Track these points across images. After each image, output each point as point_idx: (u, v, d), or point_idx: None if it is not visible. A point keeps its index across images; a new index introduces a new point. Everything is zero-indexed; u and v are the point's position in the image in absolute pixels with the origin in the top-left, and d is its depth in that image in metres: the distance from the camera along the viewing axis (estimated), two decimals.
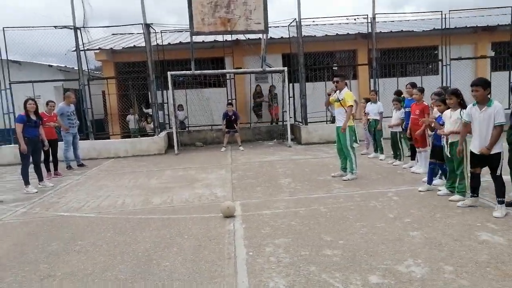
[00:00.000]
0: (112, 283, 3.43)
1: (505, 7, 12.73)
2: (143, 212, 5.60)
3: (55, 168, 8.70)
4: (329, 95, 7.31)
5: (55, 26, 10.98)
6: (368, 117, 9.01)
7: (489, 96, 4.65)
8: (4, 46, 10.88)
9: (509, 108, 12.32)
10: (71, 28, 11.03)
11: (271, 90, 13.74)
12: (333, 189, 6.31)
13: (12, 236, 4.86)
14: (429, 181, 5.93)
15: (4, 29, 10.81)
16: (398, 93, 9.18)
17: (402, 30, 14.26)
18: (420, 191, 5.86)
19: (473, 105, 4.73)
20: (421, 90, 7.14)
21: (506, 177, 4.80)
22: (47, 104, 8.71)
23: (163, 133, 12.15)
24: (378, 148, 8.85)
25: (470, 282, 3.08)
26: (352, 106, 6.83)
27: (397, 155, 8.08)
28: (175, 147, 11.19)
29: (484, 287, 3.00)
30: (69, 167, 9.45)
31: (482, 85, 4.58)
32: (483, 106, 4.60)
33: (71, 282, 3.49)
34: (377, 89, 11.45)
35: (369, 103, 9.16)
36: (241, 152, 10.85)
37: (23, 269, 3.81)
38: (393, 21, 17.51)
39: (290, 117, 12.09)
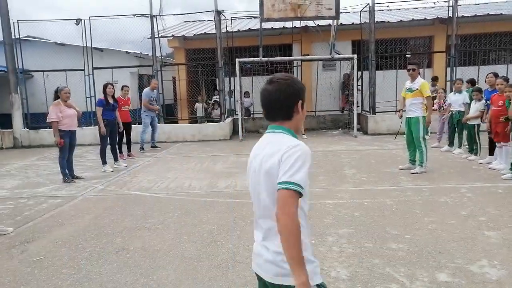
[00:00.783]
0: (179, 260, 3.61)
1: None
2: (208, 195, 5.80)
3: (129, 150, 9.28)
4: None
5: (134, 15, 11.63)
6: (451, 109, 8.36)
7: None
8: (89, 35, 11.75)
9: None
10: (148, 16, 11.59)
11: (344, 78, 13.45)
12: (400, 182, 6.06)
13: (92, 210, 5.30)
14: None
15: (90, 18, 11.65)
16: (472, 82, 8.57)
17: (488, 14, 13.07)
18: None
19: None
20: (506, 80, 6.56)
21: None
22: (122, 88, 9.28)
23: (229, 119, 12.41)
24: (458, 142, 8.20)
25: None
26: (430, 96, 6.51)
27: (472, 149, 7.53)
28: (240, 134, 11.38)
29: None
30: (142, 149, 10.05)
31: None
32: None
33: (142, 256, 3.73)
34: (454, 79, 10.69)
35: (451, 93, 8.54)
36: (304, 140, 10.77)
37: (101, 241, 4.15)
38: (478, 4, 16.11)
39: (357, 106, 11.73)
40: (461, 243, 3.68)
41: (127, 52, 14.95)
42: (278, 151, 1.54)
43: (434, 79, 11.25)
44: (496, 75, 7.24)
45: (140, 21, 11.66)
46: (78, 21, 11.85)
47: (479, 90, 7.43)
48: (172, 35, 14.20)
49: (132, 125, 9.60)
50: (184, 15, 15.98)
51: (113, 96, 7.93)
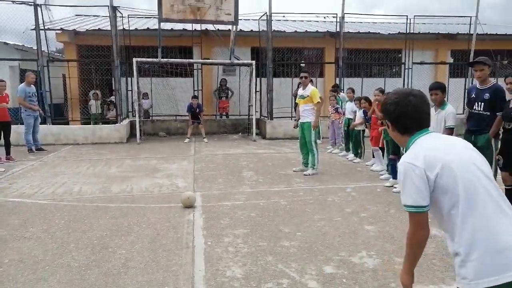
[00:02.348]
0: (64, 270, 3.33)
1: (465, 16, 13.29)
2: (100, 200, 5.45)
3: (7, 153, 8.27)
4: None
5: (12, 1, 10.40)
6: (346, 116, 8.87)
7: (444, 99, 4.89)
8: None
9: (463, 113, 12.96)
10: (30, 4, 10.45)
11: (221, 83, 13.74)
12: (293, 183, 6.41)
13: None
14: (394, 176, 6.08)
15: None
16: (335, 86, 9.68)
17: (369, 32, 14.61)
18: (386, 186, 6.08)
19: (431, 106, 4.96)
20: (382, 91, 7.40)
21: None
22: None
23: (126, 121, 11.85)
24: (351, 147, 8.64)
25: (417, 272, 3.20)
26: (319, 102, 6.96)
27: (357, 153, 8.30)
28: (138, 136, 10.94)
29: (430, 277, 3.16)
30: (30, 150, 9.10)
31: (440, 89, 4.86)
32: (438, 108, 4.84)
33: (19, 269, 3.35)
34: (342, 88, 11.68)
35: (347, 102, 9.17)
36: (205, 144, 10.77)
37: None
38: (361, 23, 17.89)
39: (256, 111, 12.11)
40: (345, 238, 4.03)
41: (6, 43, 13.35)
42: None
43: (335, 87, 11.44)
44: (382, 91, 8.05)
45: (22, 9, 10.48)
46: None
47: (366, 99, 8.19)
48: (61, 28, 13.07)
49: (11, 125, 8.59)
50: (75, 7, 14.85)
51: None
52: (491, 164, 5.18)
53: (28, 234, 4.15)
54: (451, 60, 15.50)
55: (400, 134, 1.81)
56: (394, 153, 6.11)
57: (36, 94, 9.40)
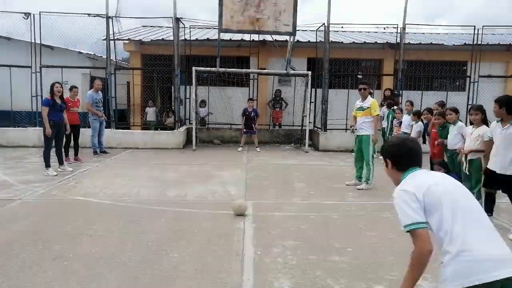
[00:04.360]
0: (121, 268, 3.51)
1: None
2: (156, 203, 5.69)
3: (76, 154, 8.90)
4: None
5: (88, 14, 11.25)
6: (402, 129, 8.67)
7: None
8: (39, 30, 11.22)
9: None
10: (103, 17, 11.27)
11: (276, 94, 13.79)
12: (346, 197, 6.28)
13: (30, 215, 5.02)
14: None
15: (41, 13, 11.15)
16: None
17: (431, 43, 14.03)
18: None
19: (497, 121, 4.65)
20: (442, 105, 7.12)
21: None
22: (70, 89, 8.90)
23: (183, 128, 12.28)
24: None
25: None
26: (378, 115, 6.81)
27: None
28: (193, 143, 11.29)
29: None
30: (95, 153, 9.76)
31: (498, 103, 4.54)
32: (506, 123, 4.51)
33: (81, 264, 3.58)
34: (400, 101, 11.30)
35: (405, 114, 8.91)
36: (257, 153, 10.87)
37: (37, 247, 3.93)
38: (423, 33, 17.24)
39: (310, 122, 12.04)
40: (399, 257, 3.87)
41: (80, 53, 14.43)
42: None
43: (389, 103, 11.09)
44: (442, 105, 7.72)
45: (95, 21, 11.30)
46: (27, 15, 11.29)
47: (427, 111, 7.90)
48: (129, 38, 13.90)
49: (81, 128, 9.24)
50: (142, 19, 15.72)
51: (61, 97, 7.62)
52: None
53: (91, 231, 4.43)
54: None
55: (396, 171, 2.21)
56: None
57: (102, 100, 10.07)
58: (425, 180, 2.02)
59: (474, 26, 12.12)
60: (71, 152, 8.76)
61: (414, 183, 2.02)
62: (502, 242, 1.89)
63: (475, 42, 12.15)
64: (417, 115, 7.85)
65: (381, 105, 9.92)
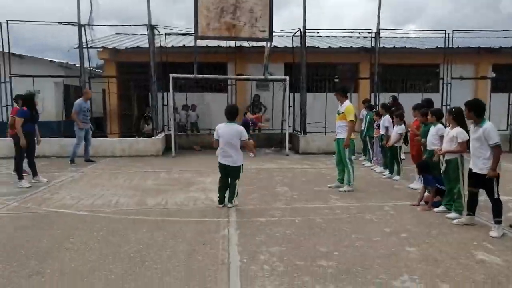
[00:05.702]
0: (102, 283, 3.36)
1: (508, 30, 12.82)
2: (137, 213, 5.53)
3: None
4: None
5: (59, 22, 10.97)
6: (381, 132, 8.67)
7: (483, 116, 4.71)
8: (7, 39, 10.86)
9: (507, 129, 12.39)
10: (75, 25, 11.00)
11: (255, 99, 13.81)
12: (329, 200, 6.27)
13: (3, 230, 4.78)
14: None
15: (8, 21, 10.79)
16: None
17: (405, 47, 14.36)
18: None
19: (472, 123, 4.84)
20: (416, 108, 7.36)
21: (504, 198, 4.78)
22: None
23: (161, 135, 12.09)
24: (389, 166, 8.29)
25: None
26: (353, 121, 6.79)
27: (392, 170, 8.05)
28: (173, 150, 11.12)
29: None
30: (72, 162, 9.51)
31: (467, 106, 4.78)
32: (476, 125, 4.70)
33: (59, 280, 3.42)
34: (377, 103, 11.46)
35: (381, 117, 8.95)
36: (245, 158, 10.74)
37: (11, 264, 3.74)
38: (396, 37, 17.62)
39: (289, 126, 12.07)
40: (385, 259, 3.87)
41: (51, 61, 14.04)
42: None
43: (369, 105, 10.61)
44: (416, 107, 7.89)
45: (67, 29, 11.02)
46: None
47: (401, 116, 8.00)
48: (103, 46, 13.63)
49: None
50: (116, 26, 15.47)
51: (35, 108, 7.42)
52: None
53: (69, 245, 4.25)
54: (493, 75, 14.94)
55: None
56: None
57: (89, 110, 9.99)
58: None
59: (445, 31, 12.46)
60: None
61: None
62: None
63: (446, 46, 12.47)
64: (400, 117, 7.94)
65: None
